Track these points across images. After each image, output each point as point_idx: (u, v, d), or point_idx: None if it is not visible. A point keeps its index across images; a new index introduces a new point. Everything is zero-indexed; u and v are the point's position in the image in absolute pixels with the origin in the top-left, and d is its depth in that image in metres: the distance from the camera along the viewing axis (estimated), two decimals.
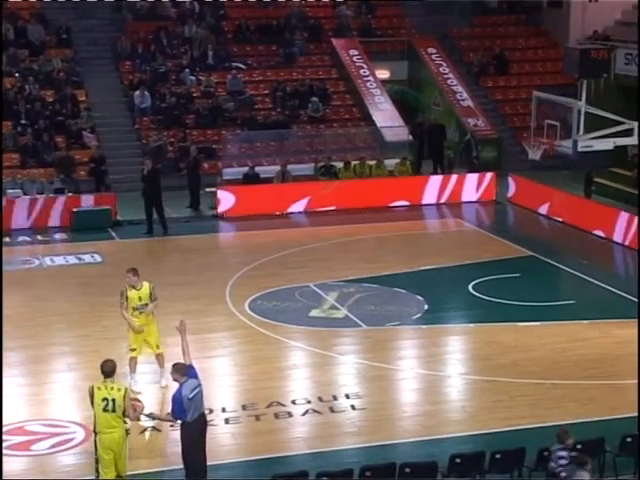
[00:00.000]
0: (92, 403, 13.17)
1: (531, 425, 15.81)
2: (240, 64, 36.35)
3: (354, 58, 37.04)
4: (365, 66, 36.75)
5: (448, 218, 29.94)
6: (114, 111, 34.34)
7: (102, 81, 34.98)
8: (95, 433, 13.28)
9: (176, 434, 13.63)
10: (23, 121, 32.07)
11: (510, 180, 31.05)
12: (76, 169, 31.01)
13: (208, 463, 13.59)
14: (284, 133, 33.56)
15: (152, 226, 27.48)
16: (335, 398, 16.95)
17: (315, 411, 16.47)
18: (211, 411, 15.71)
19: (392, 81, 37.79)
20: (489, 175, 31.24)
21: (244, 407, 16.57)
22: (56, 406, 16.77)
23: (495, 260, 25.14)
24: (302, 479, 13.10)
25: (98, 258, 25.36)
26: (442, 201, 30.84)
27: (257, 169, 31.12)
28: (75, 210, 27.99)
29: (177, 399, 13.18)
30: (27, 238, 27.20)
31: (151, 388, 17.06)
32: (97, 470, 13.35)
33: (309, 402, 16.76)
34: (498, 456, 13.64)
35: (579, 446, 13.27)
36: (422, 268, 24.41)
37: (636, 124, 25.06)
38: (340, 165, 31.61)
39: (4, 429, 14.89)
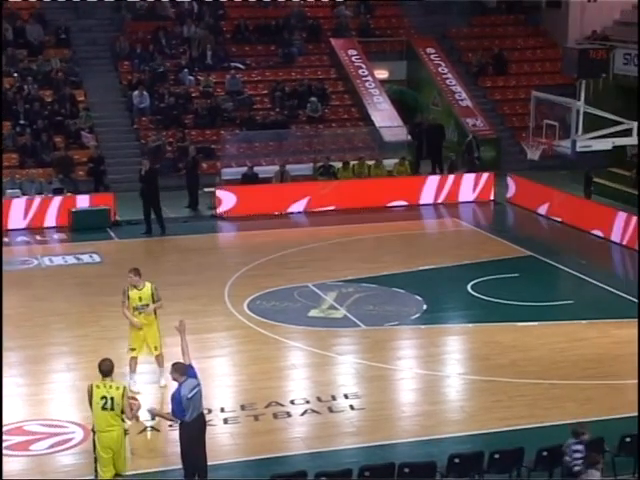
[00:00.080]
0: (90, 402, 13.19)
1: (530, 425, 15.82)
2: (239, 64, 36.35)
3: (353, 58, 37.04)
4: (364, 66, 36.75)
5: (447, 218, 29.95)
6: (113, 111, 34.34)
7: (101, 81, 34.98)
8: (94, 432, 13.30)
9: (176, 434, 13.62)
10: (22, 121, 32.05)
11: (509, 180, 31.07)
12: (75, 169, 31.03)
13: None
14: (283, 133, 33.56)
15: (151, 226, 27.48)
16: (334, 398, 16.95)
17: (314, 411, 16.47)
18: (210, 411, 15.72)
19: (391, 81, 37.79)
20: (488, 175, 31.26)
21: (243, 407, 16.57)
22: (55, 406, 16.78)
23: (494, 260, 25.14)
24: (301, 479, 13.10)
25: (97, 258, 25.35)
26: (441, 201, 30.85)
27: (256, 169, 31.12)
28: (74, 210, 27.99)
29: (176, 398, 13.18)
30: (25, 238, 27.21)
31: (150, 388, 17.07)
32: (96, 469, 13.37)
33: (308, 402, 16.76)
34: (497, 456, 13.64)
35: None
36: (421, 268, 24.42)
37: (635, 124, 25.05)
38: (339, 165, 31.62)
39: (3, 429, 14.90)
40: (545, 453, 13.61)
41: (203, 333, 19.36)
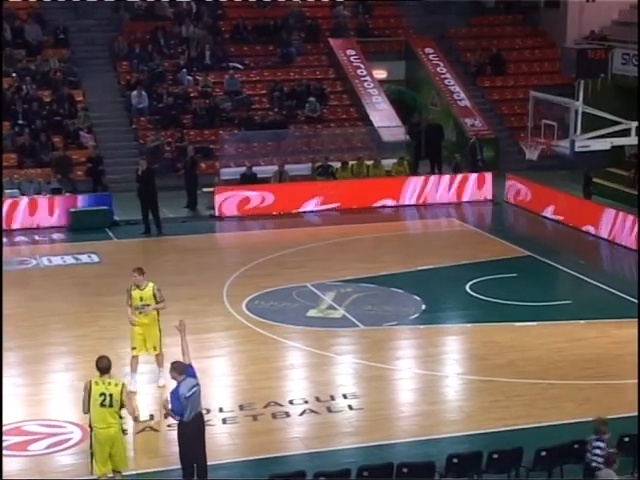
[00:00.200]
0: (88, 397, 13.13)
1: (528, 425, 15.83)
2: (237, 64, 36.34)
3: (351, 58, 37.04)
4: (362, 66, 36.74)
5: (445, 218, 29.95)
6: (111, 111, 34.32)
7: (99, 81, 34.96)
8: (91, 428, 13.28)
9: (175, 434, 13.63)
10: (20, 121, 32.02)
11: (507, 180, 31.07)
12: (73, 169, 31.02)
13: None
14: (281, 133, 33.57)
15: (149, 226, 27.47)
16: (332, 398, 16.96)
17: (312, 411, 16.48)
18: (208, 411, 15.73)
19: (389, 81, 37.79)
20: (487, 175, 31.26)
21: (241, 407, 16.57)
22: (53, 406, 16.79)
23: (492, 260, 25.15)
24: (300, 479, 13.11)
25: (95, 258, 25.35)
26: (439, 201, 30.84)
27: (254, 169, 31.10)
28: (72, 210, 28.00)
29: (175, 397, 13.19)
30: (24, 238, 27.20)
31: (150, 388, 17.08)
32: (91, 465, 13.36)
33: (306, 402, 16.77)
34: (495, 456, 13.65)
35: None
36: (419, 268, 24.42)
37: (633, 124, 25.05)
38: (337, 165, 31.62)
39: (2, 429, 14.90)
40: (544, 453, 13.63)
41: (202, 333, 19.35)
